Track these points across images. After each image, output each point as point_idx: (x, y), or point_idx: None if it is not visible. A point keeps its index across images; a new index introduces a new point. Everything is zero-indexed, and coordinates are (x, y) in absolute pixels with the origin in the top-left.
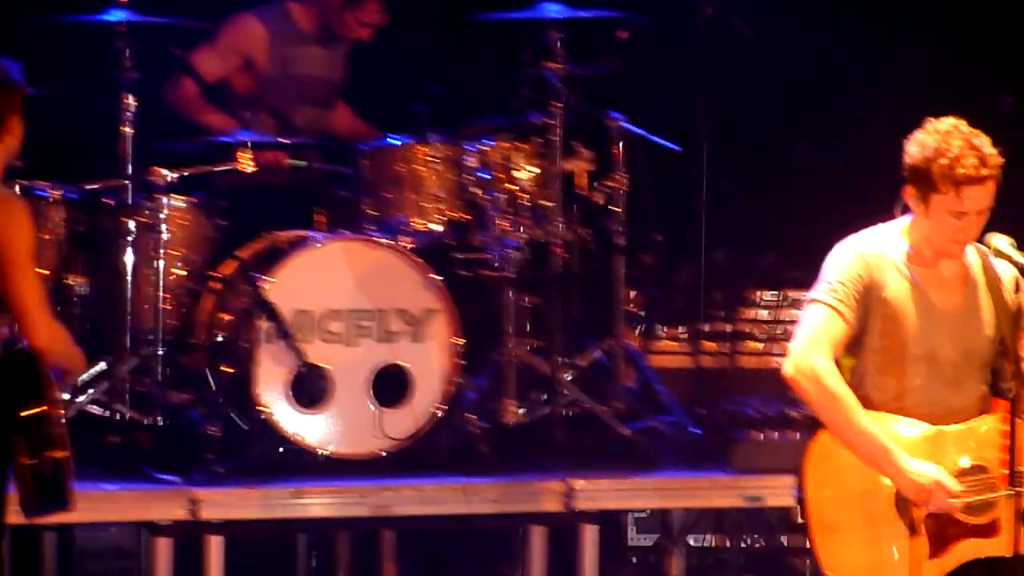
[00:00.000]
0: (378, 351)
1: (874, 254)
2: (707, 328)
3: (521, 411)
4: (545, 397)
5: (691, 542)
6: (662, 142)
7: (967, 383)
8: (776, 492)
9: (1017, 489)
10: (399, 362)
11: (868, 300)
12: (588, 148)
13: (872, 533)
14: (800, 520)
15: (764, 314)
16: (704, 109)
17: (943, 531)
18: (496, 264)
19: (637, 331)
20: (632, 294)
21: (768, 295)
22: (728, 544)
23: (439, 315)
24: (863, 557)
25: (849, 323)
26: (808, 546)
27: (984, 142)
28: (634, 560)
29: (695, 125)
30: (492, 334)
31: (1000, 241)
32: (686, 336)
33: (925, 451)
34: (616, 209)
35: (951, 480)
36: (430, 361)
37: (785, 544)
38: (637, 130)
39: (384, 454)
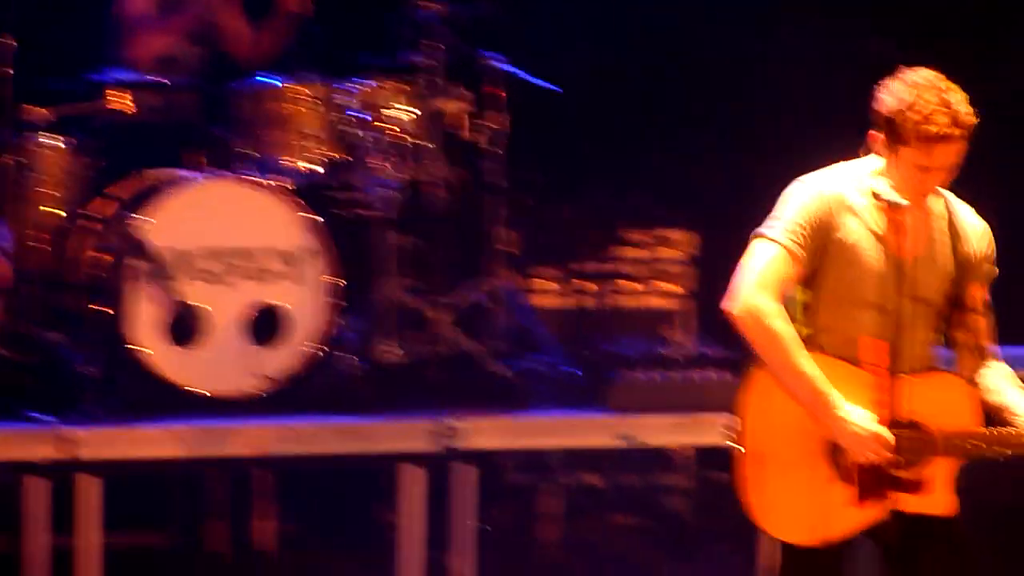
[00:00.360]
0: (254, 291)
1: (833, 194)
2: (584, 268)
3: (398, 351)
4: (422, 337)
5: (567, 481)
6: (540, 83)
7: (916, 331)
8: (652, 432)
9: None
10: (276, 302)
11: (824, 242)
12: (467, 89)
13: (801, 474)
14: (732, 451)
15: (640, 253)
16: (581, 49)
17: (871, 481)
18: (374, 204)
19: (515, 271)
20: (510, 234)
21: (645, 235)
22: (604, 484)
23: (316, 255)
24: (788, 497)
25: (801, 264)
26: (738, 477)
27: (959, 99)
28: (510, 499)
29: (573, 66)
30: (369, 274)
31: (878, 183)
32: (563, 276)
33: (866, 399)
34: (494, 150)
35: (887, 432)
36: (307, 301)
37: (660, 484)
38: (515, 71)
39: (260, 394)
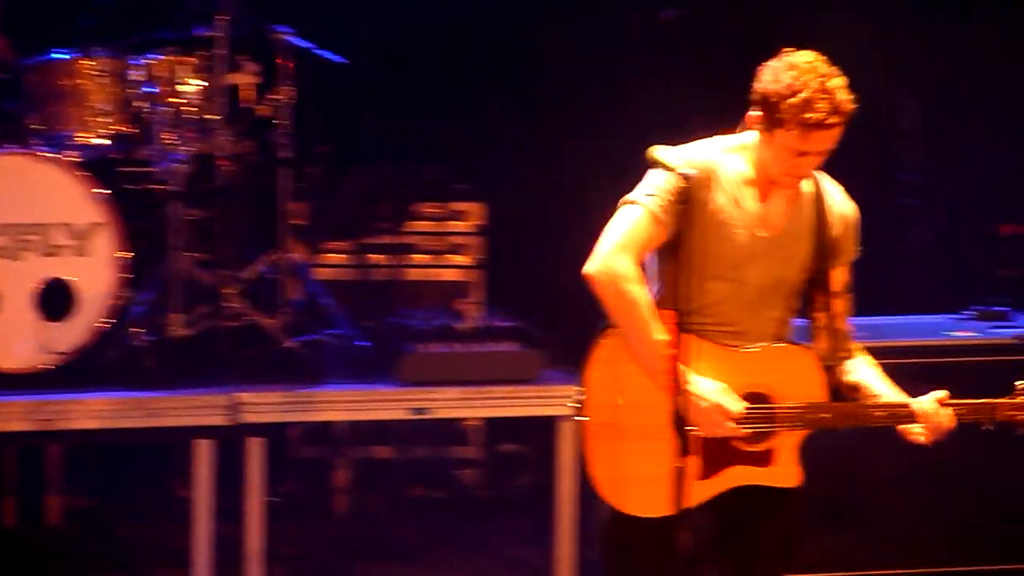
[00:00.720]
0: (42, 265)
1: (702, 165)
2: (373, 241)
3: (187, 325)
4: (211, 310)
5: (357, 454)
6: (328, 55)
7: (769, 309)
8: (442, 404)
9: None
10: (64, 276)
11: (688, 211)
12: (254, 61)
13: (645, 446)
14: (576, 420)
15: (430, 226)
16: (370, 21)
17: (716, 453)
18: (162, 178)
19: (304, 244)
20: (298, 207)
21: (433, 207)
22: (394, 456)
23: (104, 229)
24: (630, 469)
25: (663, 229)
26: (581, 447)
27: (839, 85)
28: (301, 472)
29: (361, 37)
30: (158, 248)
31: (663, 152)
32: (352, 249)
33: (715, 370)
34: (282, 122)
35: (733, 404)
36: (95, 275)
37: (452, 456)
38: (303, 43)
39: (49, 368)
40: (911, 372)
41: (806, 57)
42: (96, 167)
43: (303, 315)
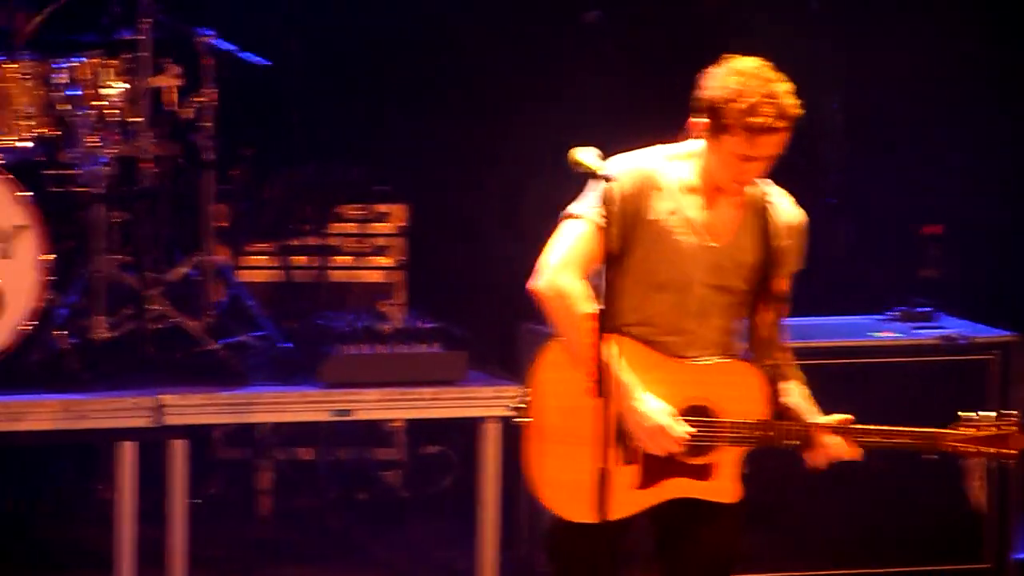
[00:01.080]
0: None
1: (644, 173)
2: (296, 242)
3: (111, 327)
4: (134, 313)
5: (280, 456)
6: (251, 57)
7: (714, 318)
8: (365, 406)
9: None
10: None
11: (632, 221)
12: (177, 64)
13: (586, 451)
14: (519, 421)
15: (353, 227)
16: (295, 22)
17: (657, 465)
18: (85, 180)
19: (227, 246)
20: (222, 209)
21: (356, 209)
22: (317, 458)
23: (28, 231)
24: (571, 474)
25: (609, 242)
26: (523, 449)
27: (785, 90)
28: (224, 474)
29: (285, 38)
30: (82, 250)
31: (584, 154)
32: (276, 251)
33: (660, 381)
34: (205, 124)
35: (678, 426)
36: (19, 278)
37: (375, 458)
38: (226, 45)
39: None
40: (836, 373)
41: (751, 63)
42: (19, 170)
43: (227, 317)
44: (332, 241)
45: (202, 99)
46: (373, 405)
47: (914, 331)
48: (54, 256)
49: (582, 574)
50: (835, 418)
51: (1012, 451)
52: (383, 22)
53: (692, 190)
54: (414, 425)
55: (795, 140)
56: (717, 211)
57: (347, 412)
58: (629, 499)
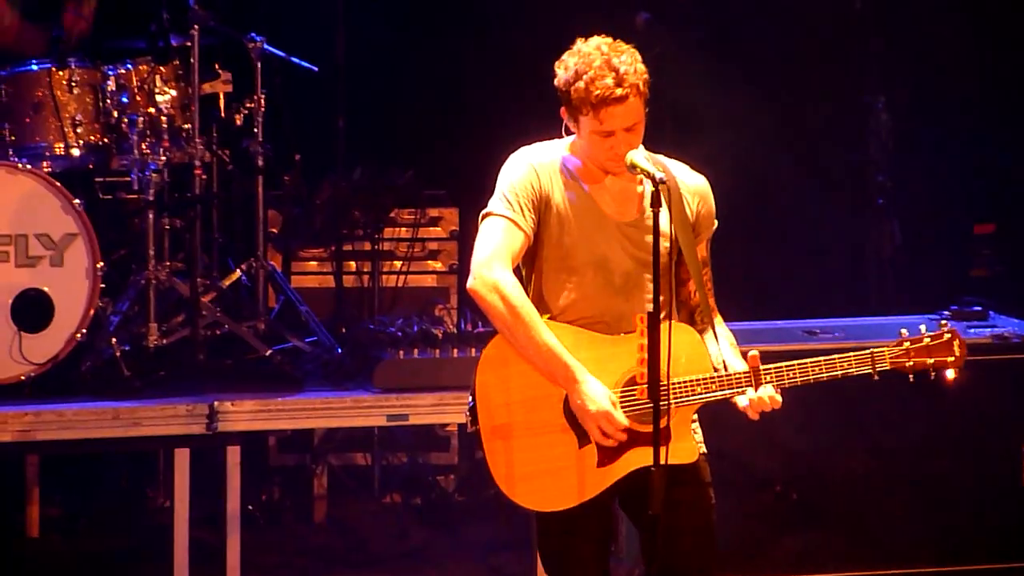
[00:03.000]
0: (18, 276)
1: (545, 164)
2: (348, 247)
3: (163, 334)
4: (187, 319)
5: (335, 461)
6: (300, 62)
7: (640, 292)
8: (419, 410)
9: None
10: (40, 286)
11: (541, 209)
12: (227, 70)
13: (542, 440)
14: (471, 428)
15: (404, 232)
16: (342, 29)
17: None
18: (137, 187)
19: (279, 251)
20: (273, 215)
21: (407, 213)
22: (372, 462)
23: (80, 239)
24: (532, 465)
25: (526, 233)
26: (481, 453)
27: (626, 59)
28: (278, 480)
29: (334, 45)
30: (134, 257)
31: (636, 155)
32: (328, 256)
33: (599, 358)
34: (255, 130)
35: (619, 414)
36: (71, 285)
37: (429, 462)
38: (275, 51)
39: (25, 379)
40: (889, 372)
41: (592, 42)
42: (71, 177)
43: (279, 323)
44: (384, 246)
45: (252, 105)
46: (427, 410)
47: (967, 330)
48: (107, 264)
49: (573, 560)
50: (753, 355)
51: (955, 355)
52: (433, 26)
53: (589, 175)
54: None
55: (841, 142)
56: (619, 189)
57: (404, 417)
58: (593, 479)
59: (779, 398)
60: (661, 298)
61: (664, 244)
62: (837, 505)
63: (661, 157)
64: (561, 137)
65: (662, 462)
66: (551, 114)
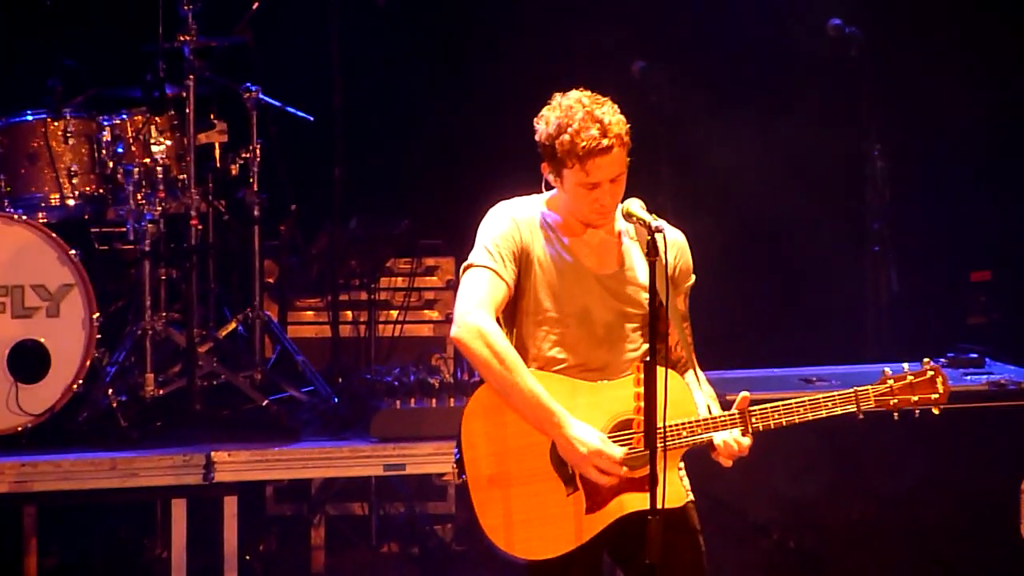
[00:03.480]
0: (14, 327)
1: (525, 218)
2: (345, 297)
3: (159, 384)
4: (183, 370)
5: (332, 511)
6: (296, 112)
7: (623, 343)
8: (416, 460)
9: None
10: (36, 337)
11: (522, 261)
12: (223, 120)
13: (530, 489)
14: (458, 479)
15: (400, 282)
16: (338, 78)
17: (599, 487)
18: (133, 237)
19: (275, 301)
20: (269, 265)
21: (404, 263)
22: (369, 512)
23: (76, 290)
24: (521, 514)
25: (508, 284)
26: (469, 503)
27: (607, 111)
28: (276, 530)
29: (330, 94)
30: (130, 308)
31: (633, 204)
32: (324, 306)
33: (584, 406)
34: (251, 180)
35: (612, 448)
36: (67, 336)
37: (427, 511)
38: (271, 100)
39: (22, 429)
40: (886, 418)
41: (571, 96)
42: (67, 228)
43: (276, 373)
44: (380, 295)
45: (248, 155)
46: (424, 459)
47: (964, 377)
48: (103, 314)
49: None
50: (743, 395)
51: (939, 393)
52: (430, 77)
53: (569, 228)
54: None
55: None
56: (599, 242)
57: (401, 467)
58: (581, 526)
59: (745, 442)
60: (640, 348)
61: (642, 296)
62: (835, 553)
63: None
64: (542, 192)
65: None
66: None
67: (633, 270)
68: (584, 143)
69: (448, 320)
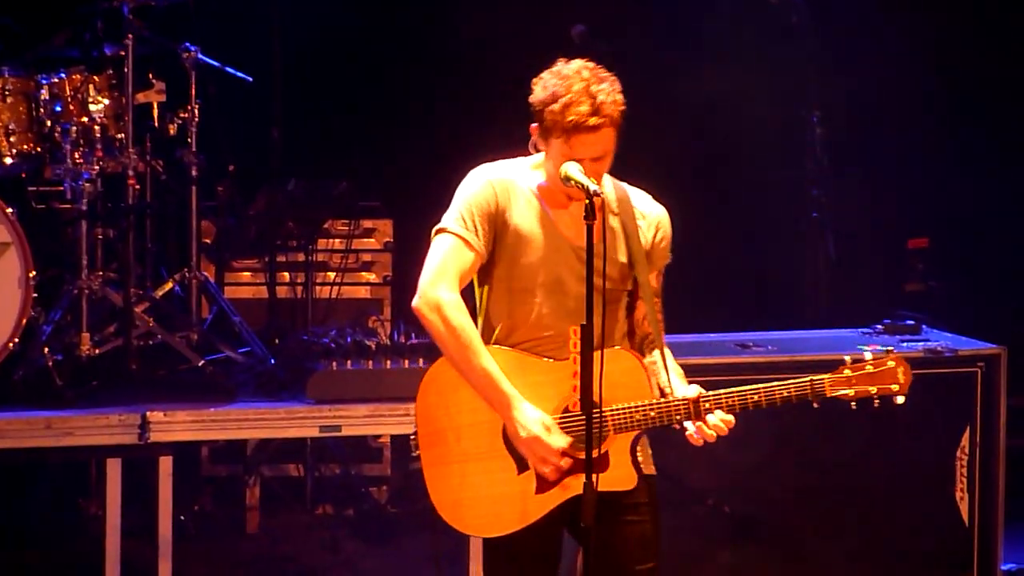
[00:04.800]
0: None
1: (503, 182)
2: (282, 258)
3: (96, 344)
4: (119, 329)
5: (267, 472)
6: (234, 72)
7: (596, 317)
8: (352, 422)
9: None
10: None
11: (496, 228)
12: (161, 80)
13: (482, 466)
14: (415, 452)
15: (338, 244)
16: (278, 39)
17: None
18: (70, 197)
19: (212, 262)
20: (207, 225)
21: (341, 225)
22: (304, 474)
23: (12, 248)
24: (472, 491)
25: (478, 252)
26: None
27: (605, 88)
28: (211, 491)
29: (269, 55)
30: (67, 267)
31: (571, 167)
32: (261, 266)
33: (538, 384)
34: (189, 140)
35: (554, 438)
36: (4, 294)
37: (362, 473)
38: (210, 61)
39: None
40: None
41: (573, 65)
42: (4, 187)
43: (212, 333)
44: (318, 257)
45: (186, 115)
46: (360, 421)
47: (900, 344)
48: (39, 273)
49: None
50: (695, 388)
51: (899, 383)
52: (367, 38)
53: (551, 196)
54: (401, 441)
55: (784, 156)
56: (576, 212)
57: (336, 428)
58: (530, 506)
59: (731, 418)
60: (610, 324)
61: (620, 271)
62: (772, 519)
63: (624, 184)
64: (527, 153)
65: (599, 488)
66: (487, 126)
67: (612, 244)
68: (572, 117)
69: (385, 282)
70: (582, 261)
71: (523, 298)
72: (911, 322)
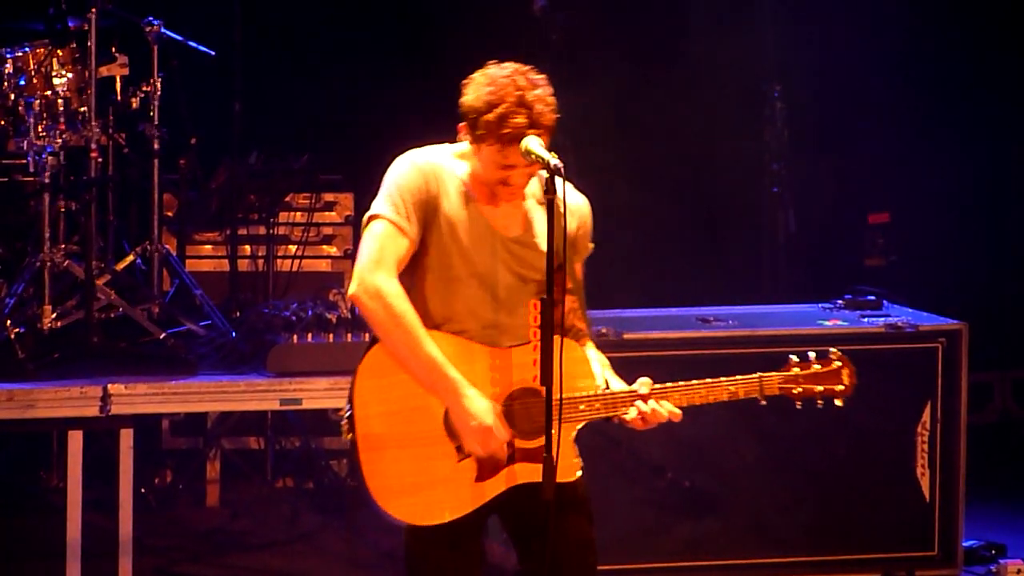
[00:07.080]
0: None
1: (434, 168)
2: (243, 232)
3: (58, 316)
4: (81, 302)
5: (228, 445)
6: (197, 46)
7: (523, 309)
8: (312, 395)
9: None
10: None
11: (428, 214)
12: (124, 53)
13: (420, 452)
14: (347, 436)
15: (299, 217)
16: (239, 13)
17: (491, 457)
18: (33, 170)
19: (173, 235)
20: (168, 198)
21: (303, 198)
22: (265, 446)
23: None
24: (409, 477)
25: (411, 238)
26: (356, 463)
27: (540, 95)
28: (171, 463)
29: (231, 29)
30: (29, 240)
31: (531, 142)
32: (222, 240)
33: (482, 371)
34: (151, 114)
35: (501, 429)
36: None
37: (323, 447)
38: (172, 34)
39: None
40: (783, 361)
41: (507, 70)
42: None
43: (174, 306)
44: (279, 230)
45: (148, 88)
46: (321, 394)
47: (861, 319)
48: (1, 246)
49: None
50: (643, 381)
51: (844, 385)
52: (328, 13)
53: (477, 186)
54: None
55: (739, 129)
56: (503, 204)
57: (297, 401)
58: (471, 493)
59: (679, 412)
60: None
61: (542, 261)
62: (730, 492)
63: (544, 174)
64: (454, 140)
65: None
66: (449, 101)
67: (539, 236)
68: (508, 130)
69: (346, 255)
70: (511, 253)
71: (455, 287)
72: (872, 297)
